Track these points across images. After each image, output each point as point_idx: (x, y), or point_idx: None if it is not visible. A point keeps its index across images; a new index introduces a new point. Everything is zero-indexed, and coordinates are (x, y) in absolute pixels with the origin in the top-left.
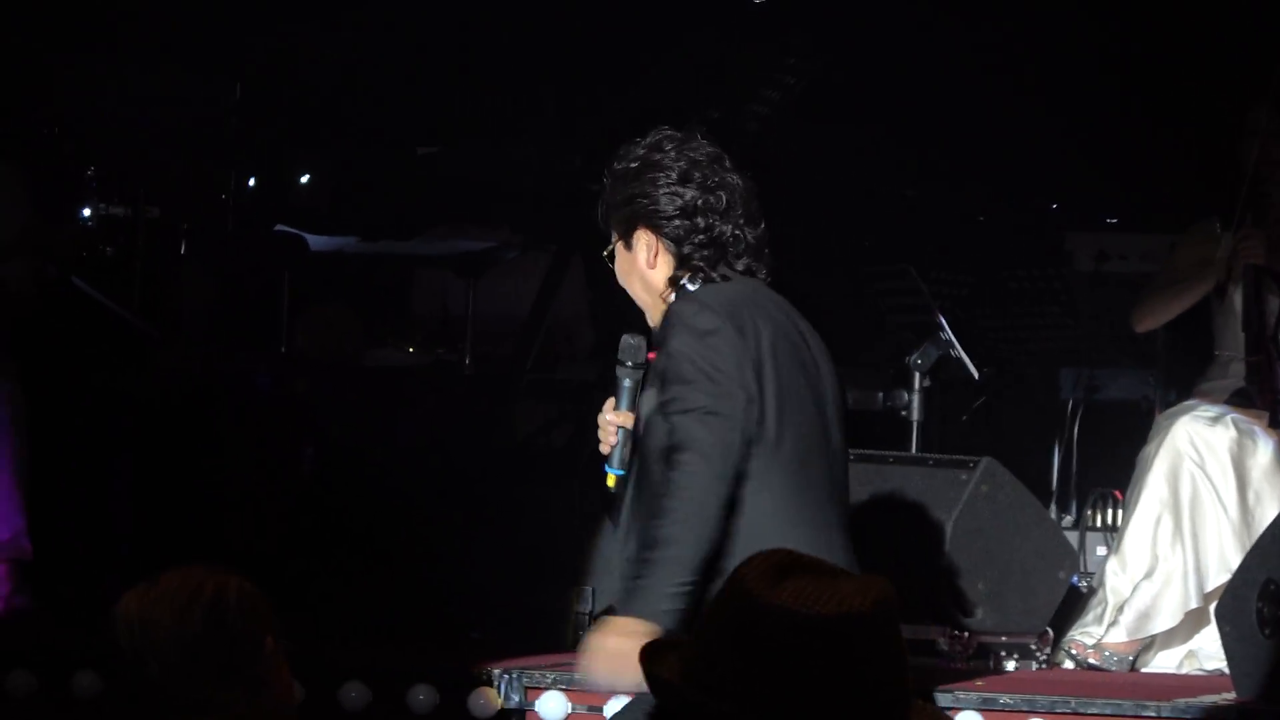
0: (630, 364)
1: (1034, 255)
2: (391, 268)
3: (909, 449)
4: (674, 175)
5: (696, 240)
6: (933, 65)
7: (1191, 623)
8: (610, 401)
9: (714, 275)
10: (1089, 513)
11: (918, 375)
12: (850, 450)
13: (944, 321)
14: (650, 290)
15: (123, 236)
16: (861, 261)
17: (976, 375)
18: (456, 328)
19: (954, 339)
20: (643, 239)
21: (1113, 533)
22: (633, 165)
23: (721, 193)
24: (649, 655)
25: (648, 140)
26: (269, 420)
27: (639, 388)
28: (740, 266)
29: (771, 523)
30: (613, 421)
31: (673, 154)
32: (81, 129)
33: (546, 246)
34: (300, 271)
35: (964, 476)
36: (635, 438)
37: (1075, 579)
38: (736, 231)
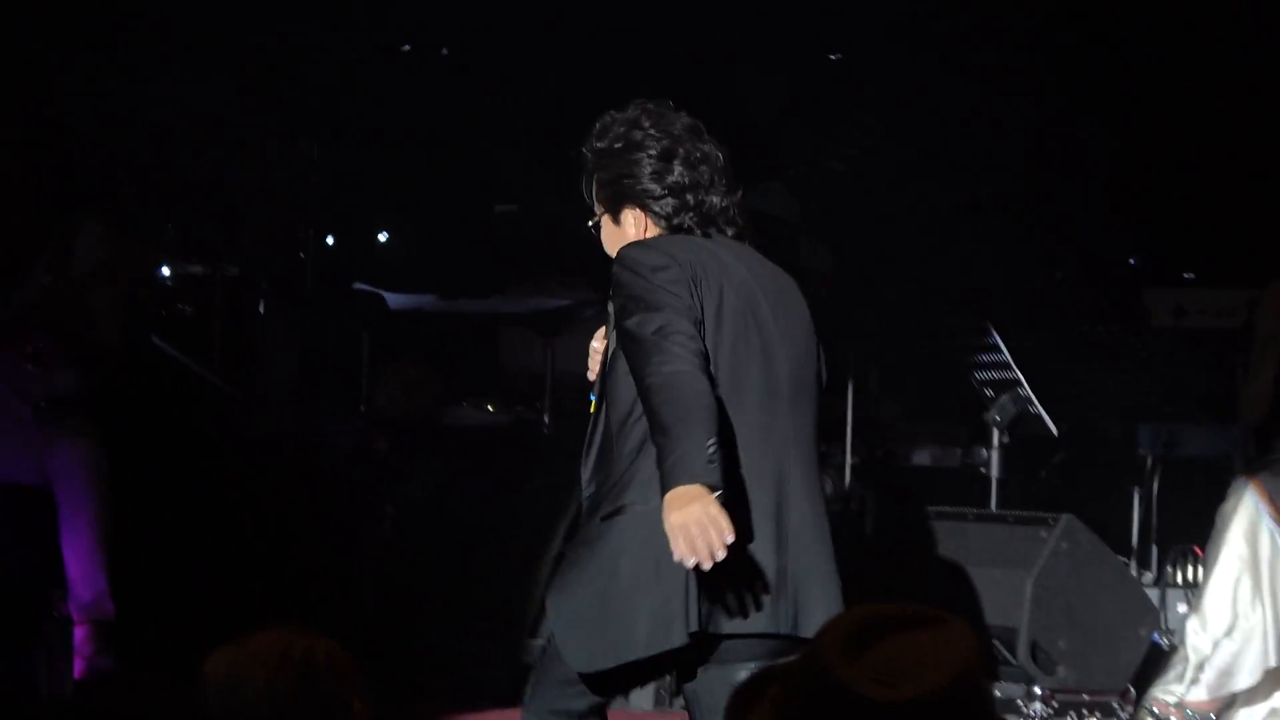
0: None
1: (1112, 311)
2: (470, 326)
3: (989, 506)
4: (655, 153)
5: (687, 216)
6: (1010, 124)
7: (1273, 681)
8: (601, 330)
9: (697, 233)
10: (1169, 570)
11: (997, 432)
12: (930, 507)
13: (1022, 378)
14: None
15: (202, 295)
16: (941, 318)
17: (1055, 431)
18: (536, 386)
19: (1032, 395)
20: (630, 216)
21: (1193, 590)
22: (616, 146)
23: (704, 167)
24: (733, 714)
25: (625, 115)
26: (350, 478)
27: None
28: (730, 233)
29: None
30: (598, 349)
31: (653, 131)
32: (160, 187)
33: None
34: (380, 330)
35: (1044, 534)
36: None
37: (1156, 636)
38: (723, 202)
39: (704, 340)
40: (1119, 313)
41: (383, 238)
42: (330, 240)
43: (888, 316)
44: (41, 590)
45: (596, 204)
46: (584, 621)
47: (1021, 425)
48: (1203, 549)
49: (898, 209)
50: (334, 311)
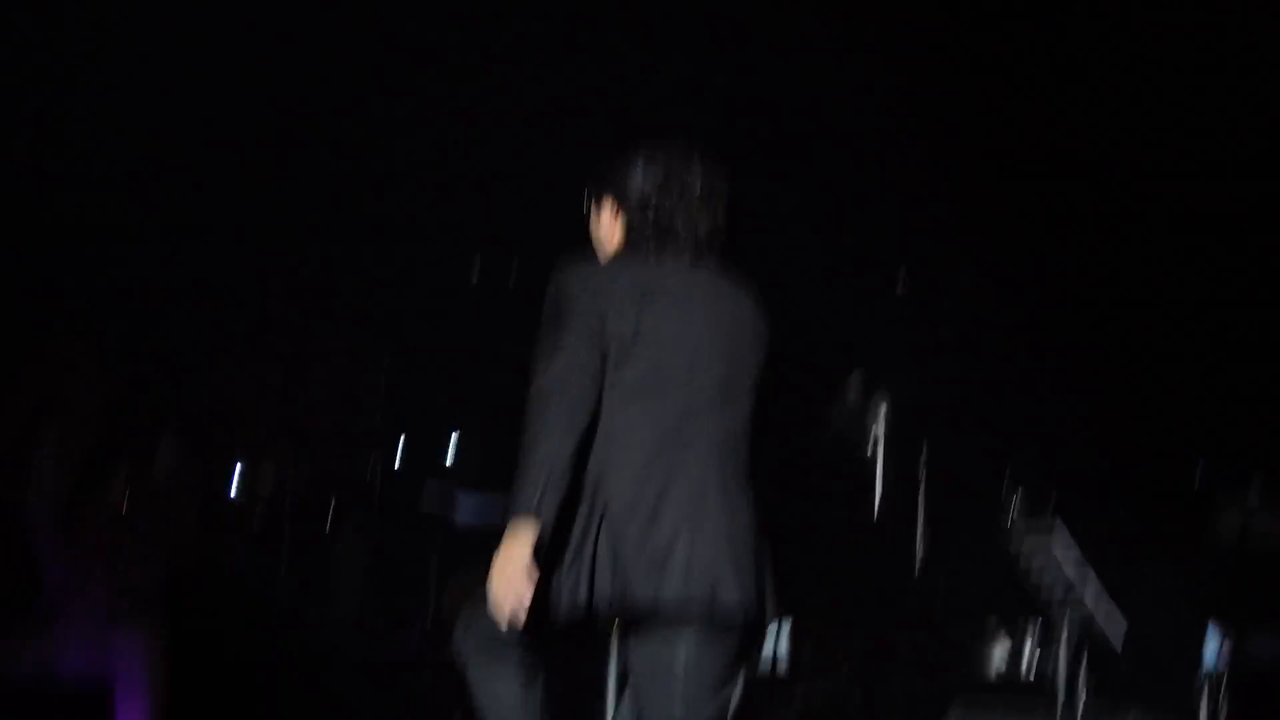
0: None
1: (1178, 517)
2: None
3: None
4: (646, 173)
5: (647, 230)
6: (1072, 336)
7: None
8: None
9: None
10: None
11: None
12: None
13: (1085, 593)
14: (600, 249)
15: (270, 512)
16: (1004, 534)
17: (1119, 649)
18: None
19: (1094, 610)
20: (608, 207)
21: None
22: (652, 160)
23: (675, 200)
24: None
25: (682, 160)
26: (418, 688)
27: None
28: (675, 263)
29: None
30: None
31: (674, 167)
32: (230, 404)
33: None
34: (448, 542)
35: None
36: None
37: None
38: (686, 231)
39: (612, 354)
40: (1185, 519)
41: (452, 444)
42: (399, 450)
43: (953, 519)
44: None
45: (591, 190)
46: None
47: (1086, 638)
48: None
49: (961, 419)
50: (403, 527)
